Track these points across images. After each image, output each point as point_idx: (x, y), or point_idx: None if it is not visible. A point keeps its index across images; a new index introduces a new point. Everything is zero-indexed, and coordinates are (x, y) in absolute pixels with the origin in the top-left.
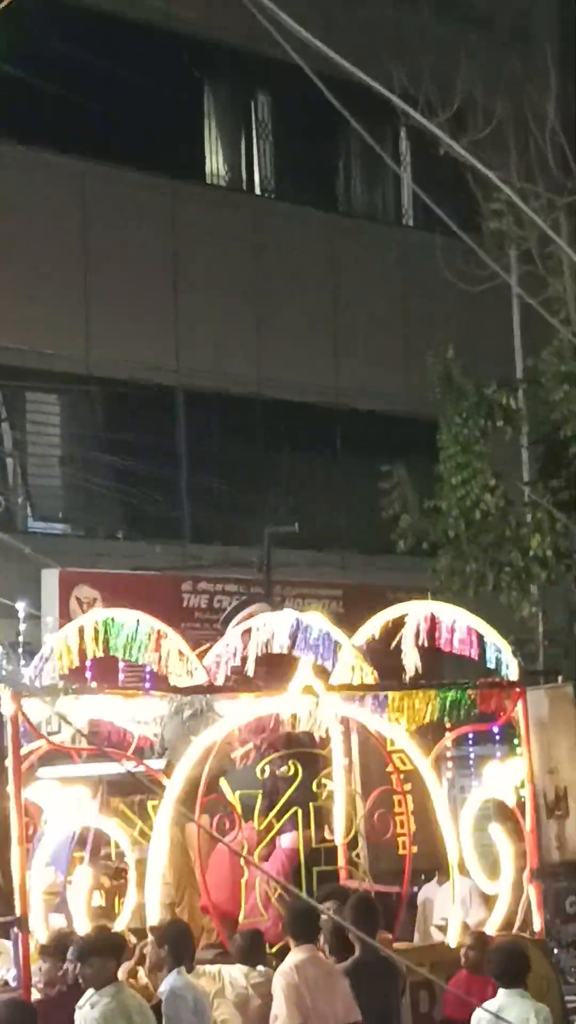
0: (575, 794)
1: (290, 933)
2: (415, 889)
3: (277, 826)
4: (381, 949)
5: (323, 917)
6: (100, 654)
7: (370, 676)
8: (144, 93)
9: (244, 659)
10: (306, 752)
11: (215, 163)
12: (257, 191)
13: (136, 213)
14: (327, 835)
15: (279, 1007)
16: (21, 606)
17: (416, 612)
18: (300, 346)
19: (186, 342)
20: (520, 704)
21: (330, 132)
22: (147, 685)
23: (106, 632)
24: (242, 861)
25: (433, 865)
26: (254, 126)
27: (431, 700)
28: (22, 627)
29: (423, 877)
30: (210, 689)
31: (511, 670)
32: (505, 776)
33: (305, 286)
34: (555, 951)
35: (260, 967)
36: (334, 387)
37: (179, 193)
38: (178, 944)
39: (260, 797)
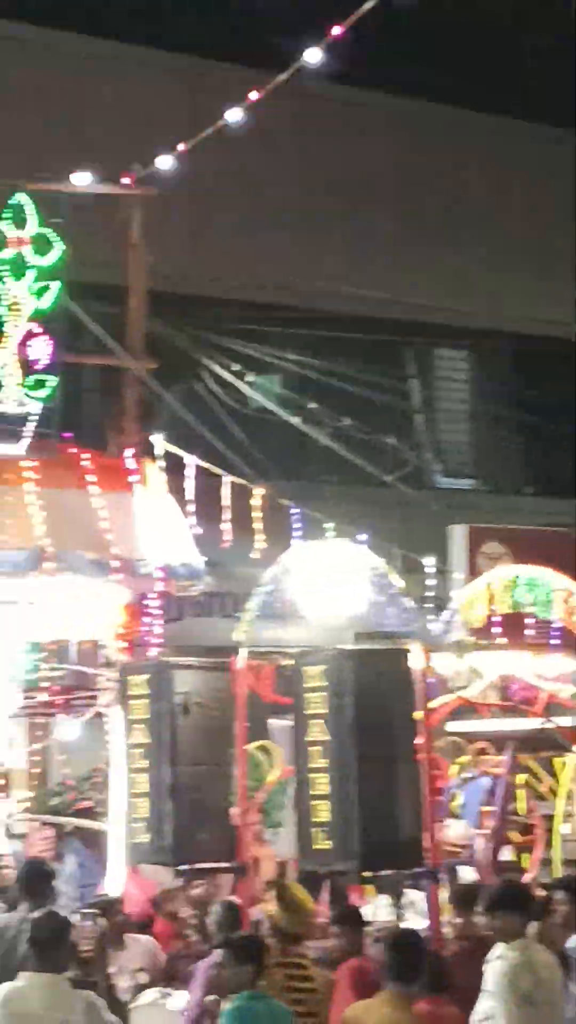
0: None
1: None
2: None
3: None
4: None
5: None
6: (508, 610)
7: None
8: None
9: None
10: None
11: None
12: None
13: (541, 167)
14: None
15: None
16: (430, 561)
17: None
18: None
19: None
20: None
21: None
22: (555, 642)
23: (514, 588)
24: None
25: None
26: None
27: None
28: (431, 582)
29: None
30: None
31: None
32: None
33: None
34: None
35: None
36: None
37: None
38: None
39: None
